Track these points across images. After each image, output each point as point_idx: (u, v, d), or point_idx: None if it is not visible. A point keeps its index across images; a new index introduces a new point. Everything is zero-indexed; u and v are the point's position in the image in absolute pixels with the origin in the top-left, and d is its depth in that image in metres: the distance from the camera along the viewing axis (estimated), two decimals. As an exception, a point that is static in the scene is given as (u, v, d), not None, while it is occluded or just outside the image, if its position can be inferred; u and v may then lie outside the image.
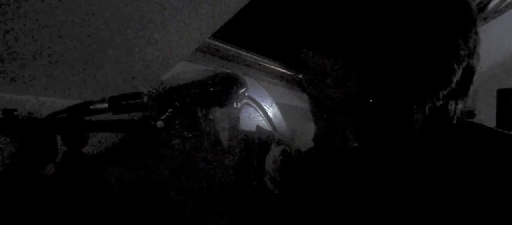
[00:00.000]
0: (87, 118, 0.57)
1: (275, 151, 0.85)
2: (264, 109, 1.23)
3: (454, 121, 0.51)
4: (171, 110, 0.56)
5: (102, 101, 0.57)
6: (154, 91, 0.56)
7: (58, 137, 0.57)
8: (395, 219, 0.52)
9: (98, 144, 0.74)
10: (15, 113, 0.55)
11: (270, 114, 1.25)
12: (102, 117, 0.58)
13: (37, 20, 0.58)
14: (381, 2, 0.43)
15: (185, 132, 0.58)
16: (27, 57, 0.63)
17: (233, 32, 1.27)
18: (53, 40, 0.63)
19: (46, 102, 0.71)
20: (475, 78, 0.49)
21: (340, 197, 0.58)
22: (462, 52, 0.45)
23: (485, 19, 1.85)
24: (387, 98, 0.45)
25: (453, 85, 0.46)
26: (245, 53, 1.46)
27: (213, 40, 1.26)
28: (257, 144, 0.83)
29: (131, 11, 0.67)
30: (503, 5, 1.90)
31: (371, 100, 0.45)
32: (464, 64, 0.46)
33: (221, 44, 1.31)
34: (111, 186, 0.66)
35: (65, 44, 0.65)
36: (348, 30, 0.43)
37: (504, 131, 0.53)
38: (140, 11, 0.69)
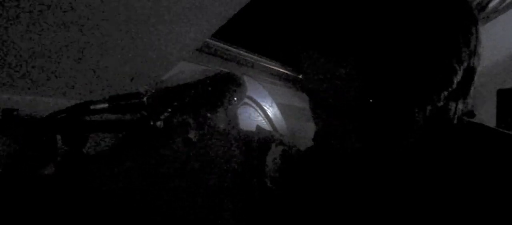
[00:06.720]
0: (87, 118, 0.57)
1: (275, 151, 0.85)
2: (264, 109, 1.23)
3: (455, 122, 0.51)
4: (170, 110, 0.56)
5: (102, 101, 0.57)
6: (154, 91, 0.56)
7: (58, 137, 0.57)
8: (395, 219, 0.52)
9: (98, 144, 0.74)
10: (15, 113, 0.55)
11: (270, 114, 1.25)
12: (102, 117, 0.58)
13: (36, 20, 0.58)
14: (382, 3, 0.43)
15: (185, 132, 0.58)
16: (27, 57, 0.63)
17: (233, 32, 1.27)
18: (53, 40, 0.63)
19: (46, 102, 0.71)
20: (476, 78, 0.49)
21: (340, 197, 0.58)
22: (463, 53, 0.45)
23: (485, 18, 1.85)
24: (388, 99, 0.45)
25: (454, 86, 0.46)
26: (245, 53, 1.46)
27: (213, 40, 1.26)
28: (257, 144, 0.83)
29: (131, 11, 0.67)
30: (503, 5, 1.90)
31: (371, 100, 0.45)
32: (465, 64, 0.46)
33: (221, 44, 1.31)
34: (110, 186, 0.65)
35: (65, 44, 0.65)
36: (349, 31, 0.43)
37: (504, 131, 0.53)
38: (140, 11, 0.69)
